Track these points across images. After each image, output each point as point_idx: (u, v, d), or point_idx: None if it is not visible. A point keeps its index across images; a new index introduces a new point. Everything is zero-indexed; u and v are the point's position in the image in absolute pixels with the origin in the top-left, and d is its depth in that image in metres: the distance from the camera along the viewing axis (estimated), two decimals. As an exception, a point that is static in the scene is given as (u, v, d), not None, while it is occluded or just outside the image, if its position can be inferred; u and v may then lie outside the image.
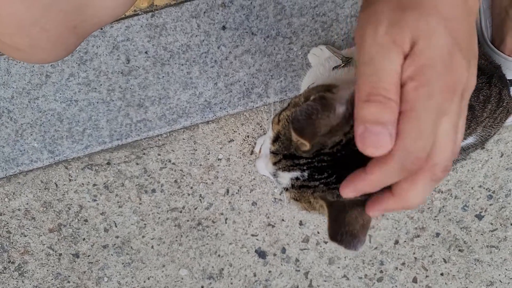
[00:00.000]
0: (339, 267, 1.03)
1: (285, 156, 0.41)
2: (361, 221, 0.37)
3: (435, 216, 1.01)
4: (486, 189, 1.00)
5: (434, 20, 0.27)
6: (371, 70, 0.27)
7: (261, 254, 1.03)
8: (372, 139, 0.27)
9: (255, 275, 1.03)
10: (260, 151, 0.49)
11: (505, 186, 1.00)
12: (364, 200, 0.37)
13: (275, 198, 1.01)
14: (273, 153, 0.43)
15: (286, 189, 0.43)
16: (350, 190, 0.31)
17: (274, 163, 0.43)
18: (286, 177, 0.42)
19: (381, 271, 1.04)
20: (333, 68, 0.54)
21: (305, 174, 0.39)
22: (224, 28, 0.93)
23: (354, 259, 1.03)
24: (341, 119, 0.36)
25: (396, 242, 1.02)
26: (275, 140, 0.43)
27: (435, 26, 0.27)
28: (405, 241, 1.02)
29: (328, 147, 0.37)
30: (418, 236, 1.02)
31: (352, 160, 0.35)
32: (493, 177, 1.00)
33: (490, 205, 1.01)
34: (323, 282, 1.03)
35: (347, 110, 0.36)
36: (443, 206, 1.01)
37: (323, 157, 0.38)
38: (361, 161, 0.32)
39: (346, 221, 0.37)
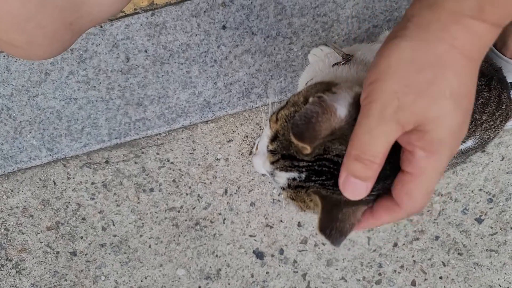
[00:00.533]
0: (337, 269, 1.03)
1: (283, 156, 0.41)
2: (352, 220, 0.37)
3: (435, 219, 1.01)
4: (486, 193, 1.00)
5: (446, 104, 0.29)
6: (367, 138, 0.31)
7: (259, 255, 1.02)
8: (351, 188, 0.33)
9: (252, 276, 1.03)
10: (257, 148, 0.48)
11: (506, 190, 0.99)
12: (360, 201, 0.37)
13: (273, 199, 1.00)
14: (271, 151, 0.42)
15: (283, 188, 0.43)
16: (360, 228, 0.38)
17: (272, 162, 0.42)
18: (283, 177, 0.41)
19: (380, 274, 1.03)
20: (333, 65, 0.53)
21: (303, 175, 0.39)
22: (224, 27, 0.93)
23: (353, 261, 1.02)
24: (343, 123, 0.35)
25: (395, 244, 1.02)
26: (273, 139, 0.42)
27: (447, 110, 0.29)
28: (404, 244, 1.02)
29: (332, 154, 0.37)
30: (417, 239, 1.01)
31: None
32: (493, 181, 0.99)
33: (490, 208, 1.00)
34: (321, 284, 1.03)
35: (349, 114, 0.36)
36: (442, 209, 1.00)
37: (325, 162, 0.37)
38: None
39: (339, 217, 0.37)
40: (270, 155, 0.43)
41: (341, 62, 0.53)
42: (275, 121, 0.44)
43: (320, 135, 0.34)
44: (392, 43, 0.31)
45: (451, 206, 1.00)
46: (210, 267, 1.03)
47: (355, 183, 0.32)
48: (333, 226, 0.36)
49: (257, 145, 0.48)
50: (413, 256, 1.02)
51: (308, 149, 0.36)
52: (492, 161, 0.98)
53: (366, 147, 0.31)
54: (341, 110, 0.35)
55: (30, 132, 0.96)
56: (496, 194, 1.00)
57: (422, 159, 0.30)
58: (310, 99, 0.37)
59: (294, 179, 0.40)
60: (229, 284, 1.03)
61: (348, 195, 0.34)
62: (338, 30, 0.94)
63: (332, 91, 0.39)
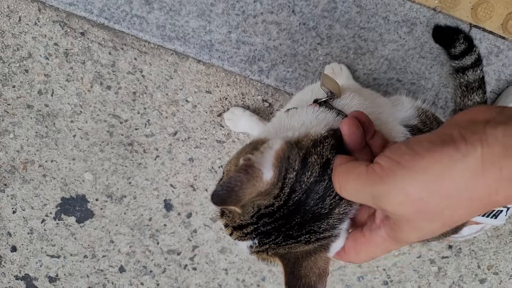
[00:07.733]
0: (226, 259, 1.02)
1: (234, 228, 0.42)
2: (316, 270, 0.38)
3: (333, 270, 1.02)
4: (388, 276, 1.02)
5: (434, 227, 0.30)
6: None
7: (168, 206, 0.99)
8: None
9: (150, 220, 1.00)
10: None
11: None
12: (316, 248, 0.38)
13: (212, 167, 0.97)
14: (224, 225, 0.44)
15: (250, 249, 0.44)
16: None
17: (229, 234, 0.44)
18: (243, 245, 0.43)
19: (258, 286, 1.04)
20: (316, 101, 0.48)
21: (256, 241, 0.40)
22: (271, -12, 0.86)
23: (243, 262, 1.02)
24: (269, 186, 0.36)
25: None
26: (222, 214, 0.43)
27: (429, 229, 0.31)
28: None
29: (263, 207, 0.38)
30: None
31: (291, 217, 0.37)
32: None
33: None
34: (204, 263, 1.02)
35: (275, 176, 0.36)
36: (345, 266, 1.02)
37: (265, 219, 0.38)
38: (301, 217, 0.37)
39: (301, 274, 0.38)
40: (225, 228, 0.44)
41: (321, 99, 0.47)
42: None
43: (244, 199, 0.35)
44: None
45: (353, 268, 1.02)
46: (118, 189, 0.98)
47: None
48: (299, 284, 0.38)
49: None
50: None
51: (237, 210, 0.37)
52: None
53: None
54: (267, 173, 0.35)
55: (25, -45, 0.85)
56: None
57: (382, 237, 0.32)
58: (241, 161, 0.36)
59: (251, 246, 0.42)
60: (124, 213, 0.99)
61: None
62: (367, 62, 0.90)
63: (260, 150, 0.38)
